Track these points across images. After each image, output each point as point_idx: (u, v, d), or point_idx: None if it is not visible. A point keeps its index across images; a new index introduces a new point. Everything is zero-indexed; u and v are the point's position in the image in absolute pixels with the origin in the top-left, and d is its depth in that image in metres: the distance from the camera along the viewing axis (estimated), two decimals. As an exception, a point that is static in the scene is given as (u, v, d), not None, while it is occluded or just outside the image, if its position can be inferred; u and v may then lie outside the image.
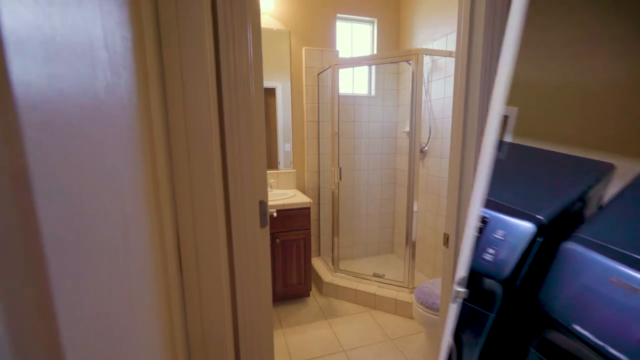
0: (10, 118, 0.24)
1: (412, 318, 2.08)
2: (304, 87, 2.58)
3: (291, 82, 2.54)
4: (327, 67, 2.40)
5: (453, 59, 2.06)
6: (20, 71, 0.25)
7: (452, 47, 2.12)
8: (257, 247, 0.84)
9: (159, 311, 0.58)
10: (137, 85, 0.54)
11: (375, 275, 2.42)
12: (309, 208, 2.22)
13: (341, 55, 2.66)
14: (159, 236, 0.61)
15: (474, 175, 1.11)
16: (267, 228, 0.90)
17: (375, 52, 2.78)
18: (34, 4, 0.28)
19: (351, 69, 2.76)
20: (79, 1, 0.36)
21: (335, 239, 2.53)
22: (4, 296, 0.24)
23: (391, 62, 2.62)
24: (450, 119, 2.03)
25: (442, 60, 2.25)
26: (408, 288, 2.24)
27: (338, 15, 2.59)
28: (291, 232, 2.19)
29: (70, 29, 0.33)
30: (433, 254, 2.47)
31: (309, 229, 2.25)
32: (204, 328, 0.75)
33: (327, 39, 2.59)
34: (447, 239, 1.16)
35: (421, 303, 1.64)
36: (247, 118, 0.79)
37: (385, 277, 2.39)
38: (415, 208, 2.21)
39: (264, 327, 0.89)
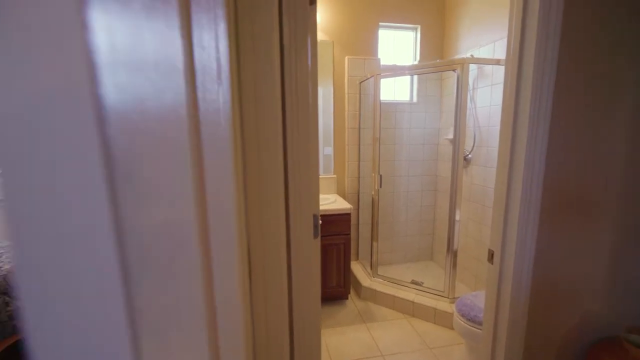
0: (195, 116, 0.34)
1: (451, 328, 2.07)
2: (346, 95, 2.65)
3: (334, 90, 2.62)
4: (370, 76, 2.45)
5: (500, 67, 2.01)
6: (200, 93, 0.35)
7: (499, 54, 2.07)
8: (311, 256, 0.93)
9: (243, 313, 0.68)
10: (230, 97, 0.62)
11: (413, 282, 2.43)
12: (349, 214, 2.28)
13: (383, 62, 2.68)
14: (241, 245, 0.71)
15: (521, 189, 1.11)
16: (319, 238, 0.98)
17: (417, 58, 2.77)
18: (201, 43, 0.37)
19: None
20: (212, 37, 0.45)
21: (374, 244, 2.57)
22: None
23: (435, 72, 2.60)
24: (497, 127, 1.98)
25: (488, 67, 2.20)
26: (448, 298, 2.22)
27: (380, 23, 2.62)
28: (332, 237, 2.26)
29: (211, 57, 0.43)
30: (475, 265, 2.42)
31: (349, 234, 2.31)
32: (269, 335, 0.84)
33: (369, 48, 2.63)
34: (492, 255, 1.17)
35: (462, 315, 1.63)
36: (305, 132, 0.86)
37: (424, 284, 2.39)
38: (457, 217, 2.19)
39: (314, 332, 0.97)
